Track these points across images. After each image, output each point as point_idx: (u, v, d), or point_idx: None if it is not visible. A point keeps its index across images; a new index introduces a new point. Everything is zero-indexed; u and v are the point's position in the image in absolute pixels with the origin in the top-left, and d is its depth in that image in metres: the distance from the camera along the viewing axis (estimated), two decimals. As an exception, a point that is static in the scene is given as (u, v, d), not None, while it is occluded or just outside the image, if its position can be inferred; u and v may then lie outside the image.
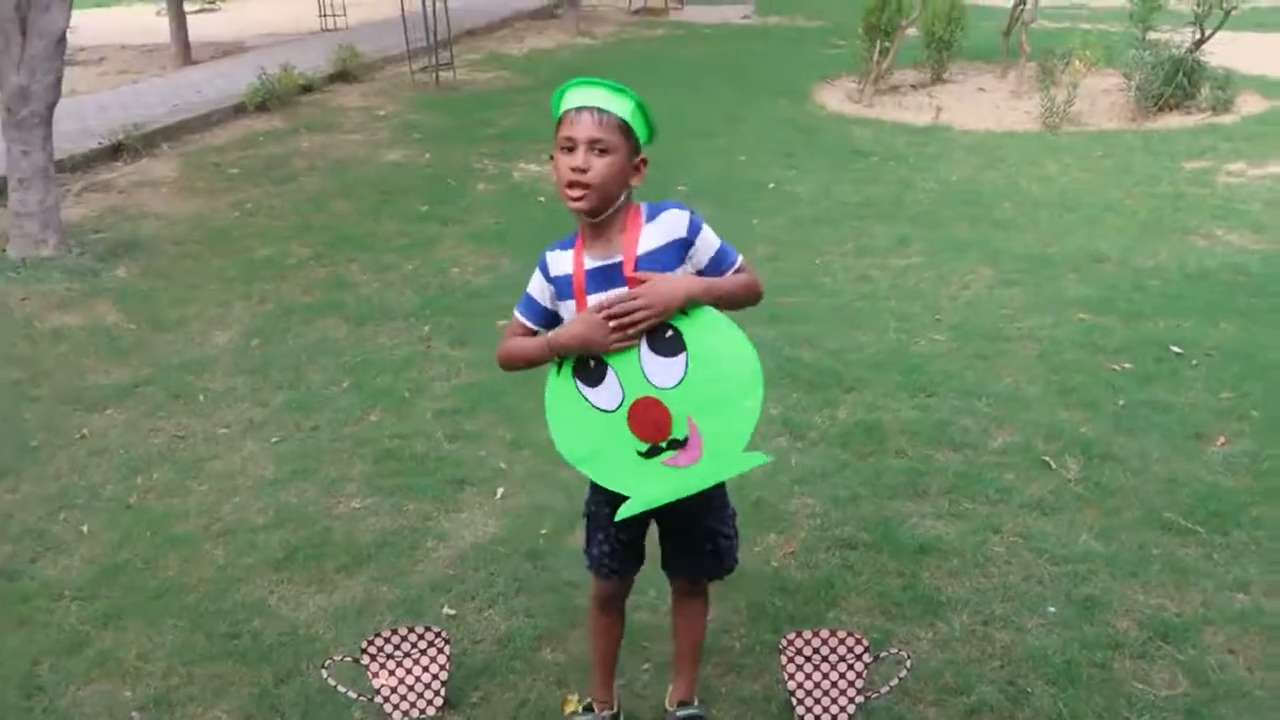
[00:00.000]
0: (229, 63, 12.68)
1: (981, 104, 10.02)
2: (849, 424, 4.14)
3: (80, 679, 2.92)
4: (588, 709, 2.66)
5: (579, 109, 2.16)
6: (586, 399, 2.22)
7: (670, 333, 2.18)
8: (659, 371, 2.19)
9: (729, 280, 2.24)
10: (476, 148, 8.79)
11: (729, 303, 2.24)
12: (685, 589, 2.60)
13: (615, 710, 2.68)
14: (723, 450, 2.20)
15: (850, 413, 4.24)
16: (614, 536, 2.44)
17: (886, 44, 10.18)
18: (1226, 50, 9.62)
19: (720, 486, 2.40)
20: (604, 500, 2.35)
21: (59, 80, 6.28)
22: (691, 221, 2.23)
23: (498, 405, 4.33)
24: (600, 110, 2.15)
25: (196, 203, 7.49)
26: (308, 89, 10.89)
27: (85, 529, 3.63)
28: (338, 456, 4.05)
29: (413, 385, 4.61)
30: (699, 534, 2.46)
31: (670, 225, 2.22)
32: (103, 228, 6.92)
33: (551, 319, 2.33)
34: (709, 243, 2.25)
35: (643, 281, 2.17)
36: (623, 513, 2.23)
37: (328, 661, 2.82)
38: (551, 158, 2.23)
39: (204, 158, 8.68)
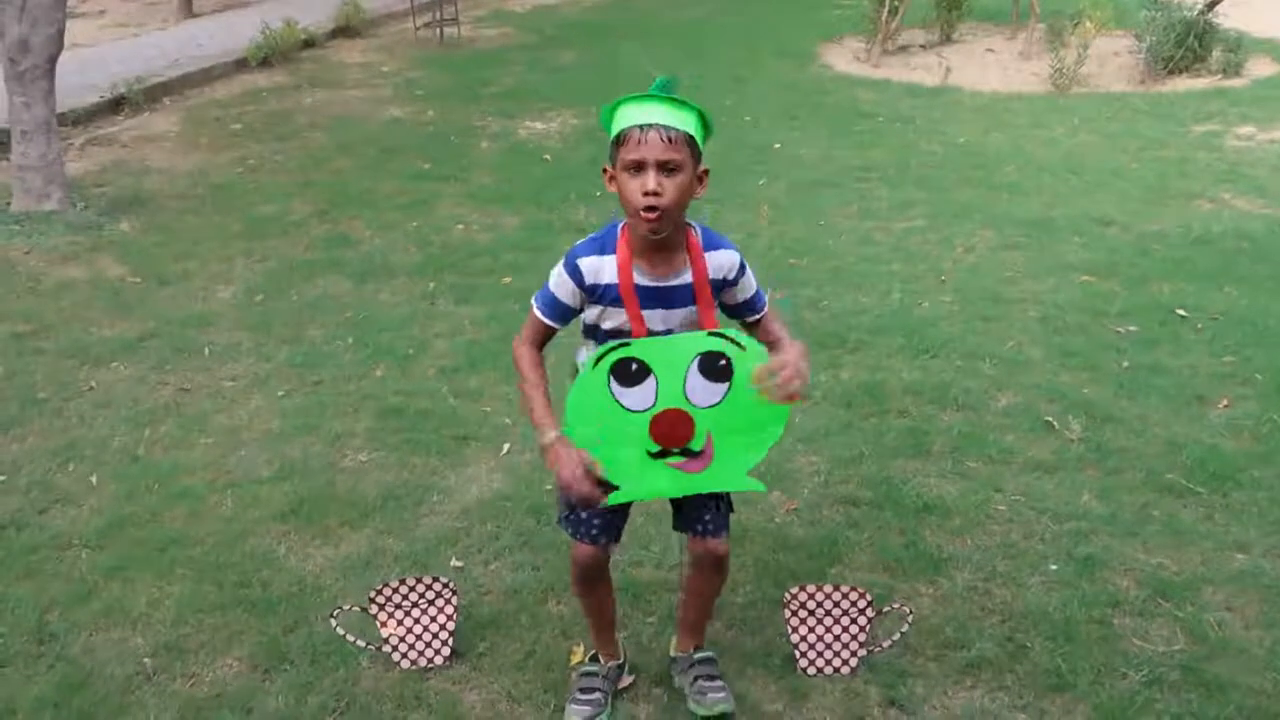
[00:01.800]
0: (231, 16, 12.57)
1: (990, 65, 9.94)
2: (852, 384, 4.16)
3: (90, 627, 2.95)
4: (594, 659, 2.69)
5: (644, 127, 2.09)
6: (614, 396, 2.22)
7: (724, 362, 2.22)
8: (700, 391, 2.23)
9: (787, 332, 2.38)
10: (479, 105, 8.74)
11: None
12: (710, 553, 2.48)
13: (622, 660, 2.71)
14: (727, 469, 2.29)
15: (854, 373, 4.25)
16: (605, 509, 2.41)
17: (895, 3, 10.08)
18: (1240, 12, 9.53)
19: None
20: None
21: (61, 32, 6.23)
22: (741, 265, 2.30)
23: (501, 363, 4.33)
24: (666, 128, 2.09)
25: (199, 158, 7.45)
26: (310, 44, 10.81)
27: (93, 480, 3.65)
28: (342, 412, 4.07)
29: (416, 342, 4.62)
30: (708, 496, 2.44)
31: (723, 264, 2.27)
32: (105, 182, 6.90)
33: (571, 316, 2.32)
34: (748, 286, 2.34)
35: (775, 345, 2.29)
36: (613, 497, 2.29)
37: (336, 611, 2.85)
38: (606, 172, 2.18)
39: (206, 112, 8.63)
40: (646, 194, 2.09)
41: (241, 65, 9.99)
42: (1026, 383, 4.15)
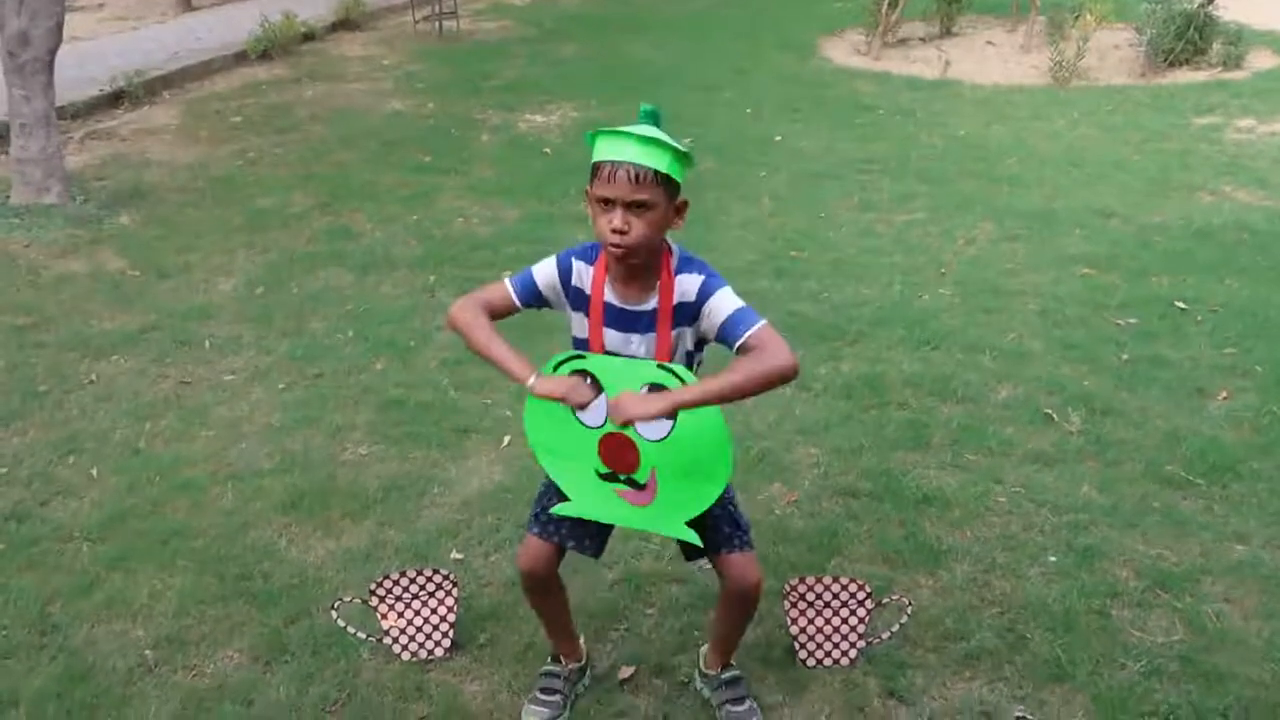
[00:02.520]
0: (230, 9, 12.55)
1: (990, 58, 9.93)
2: (853, 376, 4.16)
3: (92, 619, 2.96)
4: (555, 659, 2.66)
5: (614, 164, 2.04)
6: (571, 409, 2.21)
7: None
8: (645, 423, 2.15)
9: (724, 381, 2.06)
10: (479, 98, 8.73)
11: (736, 398, 2.08)
12: (743, 576, 2.40)
13: (584, 662, 2.70)
14: (667, 513, 2.25)
15: (854, 365, 4.26)
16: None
17: (895, -4, 10.06)
18: (1240, 5, 9.51)
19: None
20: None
21: (60, 25, 6.22)
22: (704, 286, 2.16)
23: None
24: (637, 166, 2.03)
25: (199, 151, 7.45)
26: (310, 37, 10.80)
27: (94, 473, 3.66)
28: (343, 404, 4.07)
29: (417, 335, 4.62)
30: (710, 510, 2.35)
31: (686, 289, 2.17)
32: (105, 175, 6.89)
33: (537, 305, 2.30)
34: (722, 308, 2.14)
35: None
36: (559, 510, 2.30)
37: (336, 602, 2.86)
38: (587, 194, 2.14)
39: (206, 105, 8.62)
40: (613, 230, 2.08)
41: (241, 58, 9.99)
42: (1027, 375, 4.15)
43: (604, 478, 2.27)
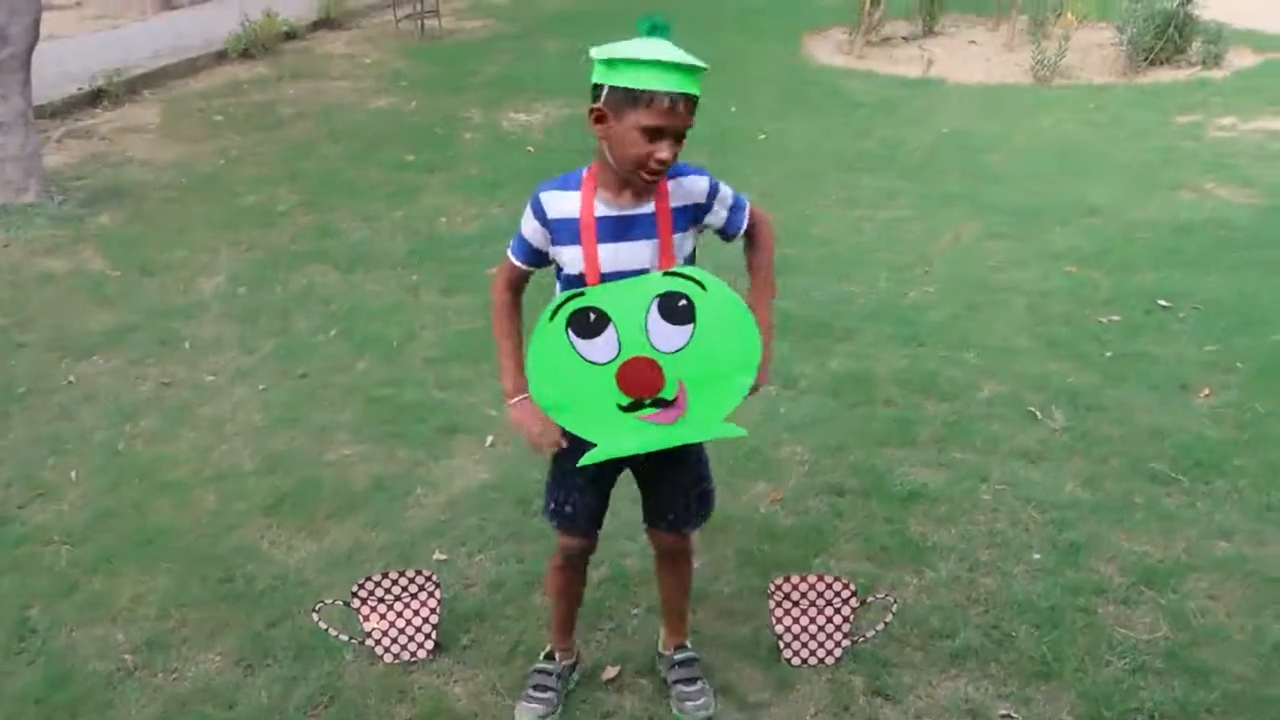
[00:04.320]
0: (211, 8, 12.45)
1: (973, 56, 9.94)
2: (839, 373, 4.16)
3: (73, 622, 2.93)
4: (549, 657, 2.67)
5: (674, 97, 2.02)
6: (576, 350, 2.16)
7: (684, 302, 2.14)
8: (662, 335, 2.15)
9: (767, 291, 2.34)
10: (463, 96, 8.69)
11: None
12: (670, 547, 2.55)
13: (574, 660, 2.70)
14: (704, 417, 2.21)
15: (840, 362, 4.25)
16: (587, 495, 2.42)
17: (878, -6, 10.07)
18: (1220, 3, 9.55)
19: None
20: (578, 456, 2.29)
21: (37, 21, 6.16)
22: (710, 185, 2.23)
23: (487, 353, 4.30)
24: (688, 96, 2.04)
25: (181, 149, 7.39)
26: (291, 36, 10.72)
27: (75, 475, 3.62)
28: (327, 404, 4.05)
29: (402, 333, 4.59)
30: (688, 481, 2.45)
31: (691, 190, 2.20)
32: (85, 174, 6.83)
33: (542, 261, 2.28)
34: (725, 200, 2.26)
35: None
36: (588, 458, 2.21)
37: (319, 605, 2.83)
38: (596, 113, 2.07)
39: (187, 104, 8.55)
40: (660, 160, 2.06)
41: (222, 57, 9.91)
42: (1012, 372, 4.16)
43: (627, 409, 2.19)
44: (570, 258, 2.20)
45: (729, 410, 2.22)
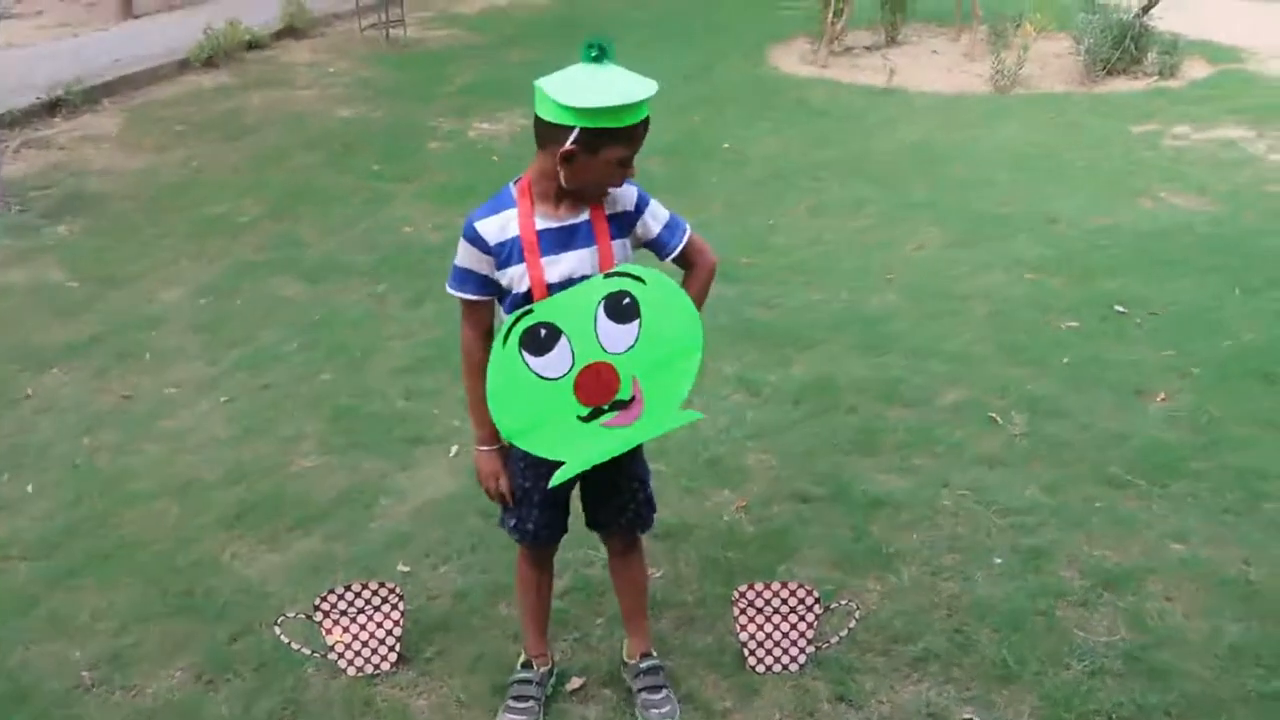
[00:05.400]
0: (173, 16, 12.34)
1: (935, 66, 10.04)
2: (803, 381, 4.18)
3: (30, 639, 2.89)
4: (526, 665, 2.67)
5: (642, 125, 2.14)
6: (530, 368, 2.19)
7: (628, 300, 2.20)
8: (613, 337, 2.20)
9: (700, 288, 2.39)
10: (429, 106, 8.67)
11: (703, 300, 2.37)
12: (621, 548, 2.63)
13: (551, 666, 2.70)
14: (660, 408, 2.27)
15: (804, 370, 4.28)
16: (545, 507, 2.46)
17: (840, 4, 10.15)
18: (1175, 15, 9.72)
19: None
20: (534, 475, 2.37)
21: (-4, 31, 6.09)
22: (639, 196, 2.30)
23: (452, 363, 4.28)
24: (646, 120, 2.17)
25: (142, 159, 7.32)
26: (255, 45, 10.64)
27: (31, 489, 3.58)
28: (291, 415, 4.02)
29: (367, 344, 4.57)
30: (624, 481, 2.48)
31: (620, 198, 2.27)
32: (44, 184, 6.75)
33: (496, 287, 2.28)
34: (658, 215, 2.33)
35: None
36: (558, 478, 2.27)
37: (280, 619, 2.81)
38: (564, 153, 2.09)
39: (149, 113, 8.47)
40: (626, 176, 2.18)
41: (185, 66, 9.81)
42: (974, 378, 4.20)
43: (588, 419, 2.24)
44: (516, 275, 2.23)
45: (683, 397, 2.28)
